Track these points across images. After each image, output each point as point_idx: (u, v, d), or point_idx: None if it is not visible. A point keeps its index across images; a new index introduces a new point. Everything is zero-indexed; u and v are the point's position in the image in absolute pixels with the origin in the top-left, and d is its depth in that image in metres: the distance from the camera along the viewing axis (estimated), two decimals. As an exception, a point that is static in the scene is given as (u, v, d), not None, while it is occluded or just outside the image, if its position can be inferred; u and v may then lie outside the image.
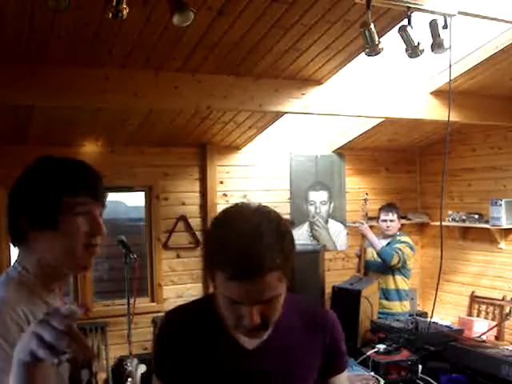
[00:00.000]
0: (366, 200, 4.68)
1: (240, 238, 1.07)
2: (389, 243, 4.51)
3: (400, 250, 4.37)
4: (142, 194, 5.08)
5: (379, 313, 3.69)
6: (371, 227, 4.74)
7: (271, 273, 1.08)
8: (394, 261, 4.31)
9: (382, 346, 2.64)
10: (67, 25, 2.73)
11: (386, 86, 4.20)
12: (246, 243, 1.06)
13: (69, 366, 1.21)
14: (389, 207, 4.68)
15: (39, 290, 1.22)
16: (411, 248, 4.51)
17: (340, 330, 1.40)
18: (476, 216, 5.39)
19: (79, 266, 1.27)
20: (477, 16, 3.05)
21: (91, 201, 1.25)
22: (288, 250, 1.12)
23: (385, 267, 4.45)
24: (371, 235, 4.50)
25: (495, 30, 3.49)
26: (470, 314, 5.41)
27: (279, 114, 4.37)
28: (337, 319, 1.40)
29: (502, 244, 5.26)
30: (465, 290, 5.62)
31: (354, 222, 5.59)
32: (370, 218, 4.86)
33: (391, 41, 3.03)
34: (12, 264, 1.27)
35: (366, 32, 2.68)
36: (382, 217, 4.61)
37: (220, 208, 5.29)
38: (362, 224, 4.55)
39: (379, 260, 4.51)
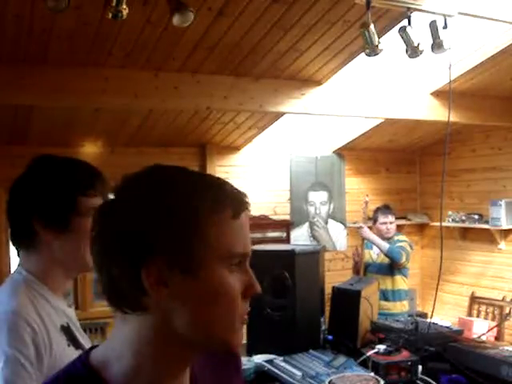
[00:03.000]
0: (366, 202, 4.67)
1: (213, 178, 0.81)
2: (388, 244, 4.50)
3: (404, 247, 4.39)
4: (142, 194, 5.07)
5: (378, 314, 3.69)
6: (369, 228, 4.73)
7: None
8: (403, 259, 4.34)
9: (381, 347, 2.63)
10: (67, 25, 2.73)
11: (386, 86, 4.20)
12: (234, 188, 0.80)
13: None
14: (387, 209, 4.66)
15: (44, 291, 1.22)
16: (410, 246, 4.54)
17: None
18: (476, 216, 5.39)
19: (88, 266, 1.25)
20: (477, 16, 3.06)
21: (101, 202, 1.25)
22: None
23: (384, 268, 4.46)
24: (374, 237, 4.49)
25: (495, 30, 3.49)
26: (469, 315, 5.41)
27: (279, 115, 4.38)
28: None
29: (502, 244, 5.26)
30: (465, 290, 5.62)
31: (355, 223, 5.59)
32: (370, 219, 4.85)
33: (391, 41, 3.03)
34: (15, 269, 1.25)
35: (366, 32, 2.69)
36: (382, 219, 4.58)
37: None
38: (362, 227, 4.53)
39: (378, 261, 4.52)
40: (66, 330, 1.22)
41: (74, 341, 1.23)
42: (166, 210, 0.72)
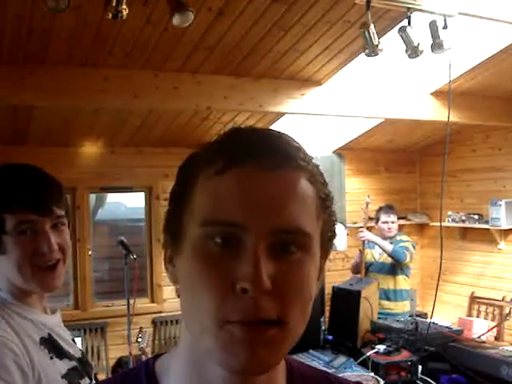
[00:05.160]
0: (367, 203, 4.67)
1: (250, 132, 0.61)
2: (391, 244, 4.50)
3: (407, 247, 4.39)
4: (142, 194, 5.08)
5: (379, 313, 3.69)
6: (371, 228, 4.72)
7: (300, 175, 0.58)
8: (407, 258, 4.34)
9: (381, 347, 2.64)
10: (67, 25, 2.73)
11: (386, 86, 4.20)
12: (260, 135, 0.61)
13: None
14: (389, 209, 4.67)
15: (17, 307, 1.17)
16: (413, 245, 4.54)
17: None
18: (476, 216, 5.39)
19: (41, 286, 1.18)
20: (476, 16, 3.06)
21: (36, 217, 1.14)
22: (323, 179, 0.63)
23: (386, 267, 4.45)
24: (376, 238, 4.49)
25: (495, 30, 3.49)
26: (469, 315, 5.41)
27: (279, 115, 4.37)
28: None
29: (502, 244, 5.26)
30: (464, 290, 5.62)
31: (355, 223, 5.59)
32: (371, 219, 4.85)
33: (391, 41, 3.03)
34: None
35: (366, 32, 2.69)
36: (384, 218, 4.59)
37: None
38: (362, 231, 4.53)
39: (380, 261, 4.51)
40: (48, 342, 1.18)
41: (57, 351, 1.19)
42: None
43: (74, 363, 1.22)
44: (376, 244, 4.49)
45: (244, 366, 0.53)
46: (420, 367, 2.53)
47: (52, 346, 1.19)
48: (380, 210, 4.69)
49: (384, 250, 4.41)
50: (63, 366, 1.19)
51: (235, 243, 0.54)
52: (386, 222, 4.56)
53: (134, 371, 0.68)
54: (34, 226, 1.14)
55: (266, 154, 0.56)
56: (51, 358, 1.16)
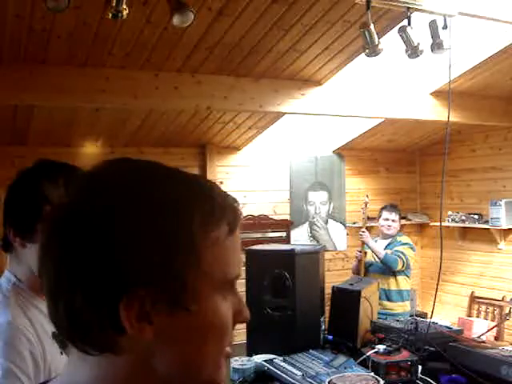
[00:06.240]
0: (366, 204, 4.67)
1: (199, 180, 0.66)
2: (389, 244, 4.50)
3: (402, 253, 4.35)
4: (142, 194, 5.07)
5: (379, 313, 3.69)
6: (371, 227, 4.72)
7: None
8: (399, 266, 4.30)
9: (381, 347, 2.63)
10: (67, 25, 2.73)
11: (386, 86, 4.20)
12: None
13: None
14: (392, 207, 4.67)
15: (33, 299, 1.19)
16: (412, 249, 4.51)
17: None
18: (476, 216, 5.39)
19: None
20: (476, 16, 3.06)
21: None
22: None
23: (386, 268, 4.45)
24: (373, 244, 4.48)
25: (495, 30, 3.49)
26: (469, 315, 5.41)
27: (279, 115, 4.37)
28: None
29: (502, 244, 5.26)
30: (464, 290, 5.62)
31: (354, 223, 5.59)
32: (370, 218, 4.85)
33: (391, 41, 3.03)
34: (4, 273, 1.24)
35: (366, 32, 2.69)
36: (385, 215, 4.58)
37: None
38: (364, 232, 4.53)
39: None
40: (58, 337, 1.19)
41: (66, 348, 1.19)
42: (151, 226, 0.56)
43: None
44: (370, 249, 4.48)
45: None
46: (420, 367, 2.52)
47: (62, 341, 1.21)
48: (383, 208, 4.69)
49: (377, 256, 4.40)
50: None
51: (231, 288, 0.63)
52: (387, 219, 4.56)
53: None
54: None
55: (241, 214, 0.65)
56: (61, 353, 1.19)
